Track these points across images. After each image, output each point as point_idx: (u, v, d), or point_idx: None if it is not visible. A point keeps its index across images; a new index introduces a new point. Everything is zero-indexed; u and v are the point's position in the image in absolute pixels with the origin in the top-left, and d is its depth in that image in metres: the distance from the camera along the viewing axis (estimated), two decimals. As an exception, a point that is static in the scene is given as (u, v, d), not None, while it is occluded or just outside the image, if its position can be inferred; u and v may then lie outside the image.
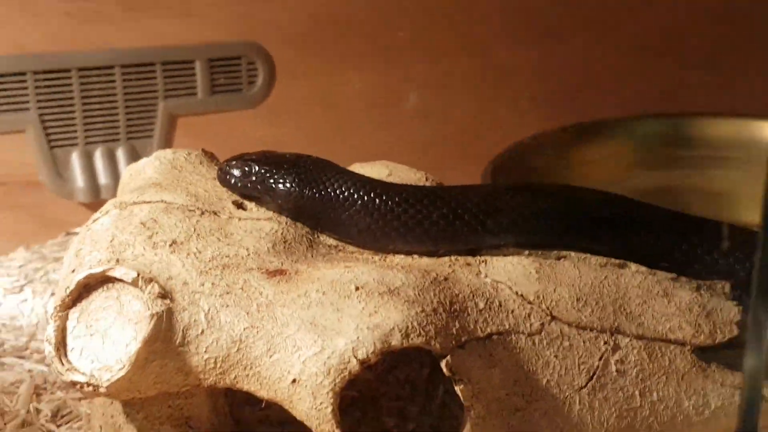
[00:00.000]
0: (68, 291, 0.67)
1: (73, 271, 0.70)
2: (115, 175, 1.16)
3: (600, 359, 0.69)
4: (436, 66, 1.35)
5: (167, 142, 1.18)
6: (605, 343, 0.69)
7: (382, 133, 1.30)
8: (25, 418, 0.79)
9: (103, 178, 1.16)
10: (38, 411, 0.81)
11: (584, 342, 0.69)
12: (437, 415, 0.79)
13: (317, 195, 0.75)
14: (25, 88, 1.12)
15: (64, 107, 1.14)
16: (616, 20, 1.42)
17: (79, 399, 0.83)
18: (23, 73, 1.11)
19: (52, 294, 1.00)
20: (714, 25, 1.47)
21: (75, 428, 0.79)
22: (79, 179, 1.15)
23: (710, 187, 1.12)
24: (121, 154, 1.17)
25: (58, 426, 0.79)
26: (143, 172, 0.82)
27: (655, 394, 0.69)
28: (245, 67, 1.22)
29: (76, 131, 1.15)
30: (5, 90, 1.11)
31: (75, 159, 1.15)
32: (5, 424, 0.79)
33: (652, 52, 1.46)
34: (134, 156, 1.15)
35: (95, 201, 1.16)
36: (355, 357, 0.62)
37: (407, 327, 0.64)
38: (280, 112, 1.25)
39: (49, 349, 0.66)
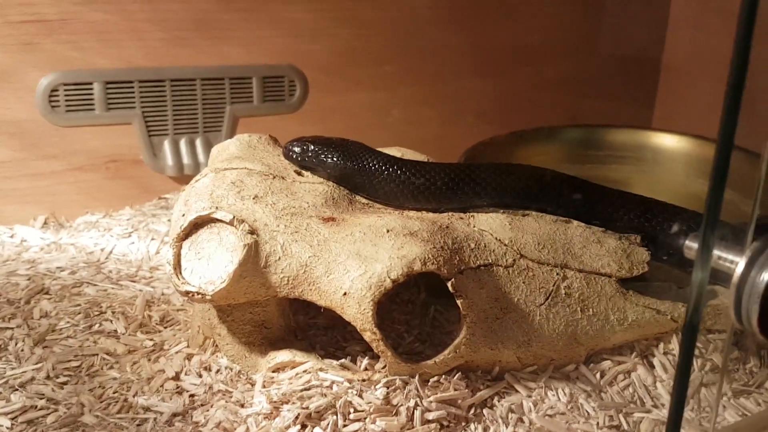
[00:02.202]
0: (182, 228, 0.66)
1: (184, 215, 0.69)
2: (194, 157, 1.14)
3: (553, 285, 0.70)
4: (417, 89, 1.35)
5: (231, 136, 1.16)
6: (557, 274, 0.70)
7: (379, 134, 1.29)
8: (142, 321, 0.78)
9: (186, 159, 1.13)
10: (150, 317, 0.79)
11: (543, 273, 0.70)
12: (431, 325, 0.78)
13: (356, 167, 0.74)
14: (132, 92, 1.09)
15: (159, 107, 1.11)
16: (543, 64, 1.43)
17: (177, 310, 0.81)
18: (131, 82, 1.08)
19: (152, 239, 0.98)
20: (605, 69, 1.48)
21: (176, 329, 0.78)
22: (169, 159, 1.12)
23: (611, 177, 1.12)
24: (199, 142, 1.14)
25: (165, 327, 0.78)
26: (228, 149, 0.80)
27: (590, 310, 0.70)
28: (287, 83, 1.21)
29: (167, 125, 1.13)
30: (118, 93, 1.08)
31: (166, 145, 1.13)
32: (129, 324, 0.77)
33: (565, 86, 1.47)
34: (208, 144, 1.13)
35: (180, 175, 1.14)
36: (389, 277, 0.62)
37: (425, 257, 0.64)
38: (310, 117, 1.24)
39: (168, 269, 0.65)
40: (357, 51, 1.26)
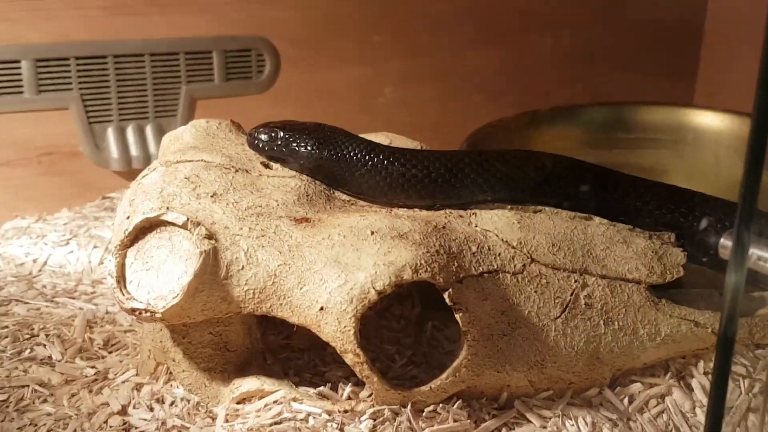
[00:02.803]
0: (126, 233, 0.67)
1: (128, 217, 0.69)
2: (144, 147, 1.14)
3: (571, 294, 0.70)
4: (412, 64, 1.35)
5: (188, 121, 1.16)
6: (575, 281, 0.70)
7: (365, 118, 1.30)
8: (82, 345, 0.78)
9: (134, 150, 1.14)
10: (92, 340, 0.79)
11: (558, 280, 0.70)
12: (427, 344, 0.79)
13: (334, 156, 0.74)
14: (69, 71, 1.09)
15: (101, 88, 1.12)
16: (561, 30, 1.43)
17: (125, 331, 0.82)
18: (67, 59, 1.09)
19: (94, 247, 0.99)
20: (636, 38, 1.49)
21: (123, 354, 0.78)
22: (113, 151, 1.13)
23: (644, 164, 1.13)
24: (149, 130, 1.15)
25: (109, 352, 0.78)
26: (181, 138, 0.81)
27: (616, 323, 0.70)
28: (255, 58, 1.21)
29: (111, 109, 1.13)
30: (52, 72, 1.09)
31: (110, 133, 1.13)
32: (66, 349, 0.78)
33: (587, 58, 1.47)
34: (161, 132, 1.13)
35: (127, 170, 1.14)
36: (374, 288, 0.63)
37: (416, 264, 0.64)
38: (282, 98, 1.24)
39: (111, 282, 0.65)
40: (339, 19, 1.27)
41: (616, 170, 0.80)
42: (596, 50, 1.47)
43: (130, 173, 1.14)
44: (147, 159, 1.13)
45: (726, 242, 0.54)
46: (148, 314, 0.64)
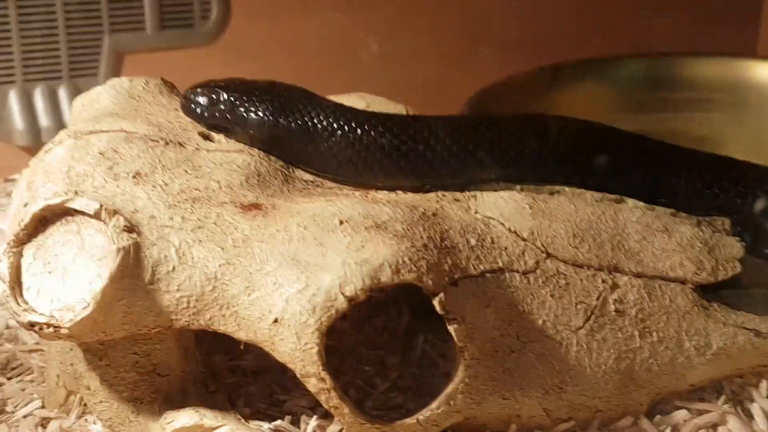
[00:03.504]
0: (22, 225, 0.66)
1: (26, 204, 0.69)
2: (56, 116, 1.15)
3: (598, 298, 0.69)
4: (404, 8, 1.35)
5: (114, 82, 1.17)
6: (603, 281, 0.70)
7: (344, 77, 1.29)
8: (-28, 370, 0.78)
9: (44, 119, 1.14)
10: (-15, 364, 0.79)
11: (581, 280, 0.70)
12: (418, 365, 0.79)
13: (293, 125, 0.74)
14: (-44, 19, 1.09)
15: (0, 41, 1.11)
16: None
17: (29, 351, 0.81)
18: (-46, 3, 1.08)
19: (-7, 242, 0.98)
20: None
21: (26, 381, 0.77)
22: (17, 120, 1.13)
23: (694, 131, 1.14)
24: (63, 93, 1.15)
25: (9, 378, 0.78)
26: (97, 102, 0.80)
27: (655, 334, 0.70)
28: (197, 1, 1.21)
29: (14, 68, 1.13)
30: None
31: (12, 98, 1.13)
32: (-48, 375, 0.77)
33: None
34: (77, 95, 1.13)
35: (35, 144, 1.14)
36: (343, 294, 0.62)
37: (398, 262, 0.63)
38: (235, 52, 1.24)
39: (2, 288, 0.65)
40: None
41: (656, 139, 0.80)
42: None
43: (38, 149, 1.14)
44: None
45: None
46: (52, 330, 0.63)
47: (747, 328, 0.71)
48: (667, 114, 1.16)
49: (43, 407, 0.73)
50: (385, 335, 0.82)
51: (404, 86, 1.33)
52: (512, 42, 1.41)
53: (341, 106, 0.75)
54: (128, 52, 1.18)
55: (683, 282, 0.71)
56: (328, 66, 1.30)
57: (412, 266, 0.63)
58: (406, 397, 0.73)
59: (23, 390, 0.75)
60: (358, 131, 0.73)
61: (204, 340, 0.74)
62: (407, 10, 1.35)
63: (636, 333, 0.69)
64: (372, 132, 0.73)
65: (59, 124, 1.14)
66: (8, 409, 0.73)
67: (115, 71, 1.18)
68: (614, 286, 0.70)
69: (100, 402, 0.69)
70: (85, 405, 0.71)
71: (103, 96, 0.80)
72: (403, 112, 0.82)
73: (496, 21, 1.40)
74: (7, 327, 0.84)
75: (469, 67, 1.39)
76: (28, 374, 0.78)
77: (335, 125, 0.73)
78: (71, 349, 0.69)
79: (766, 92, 1.14)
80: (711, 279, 0.72)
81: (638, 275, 0.71)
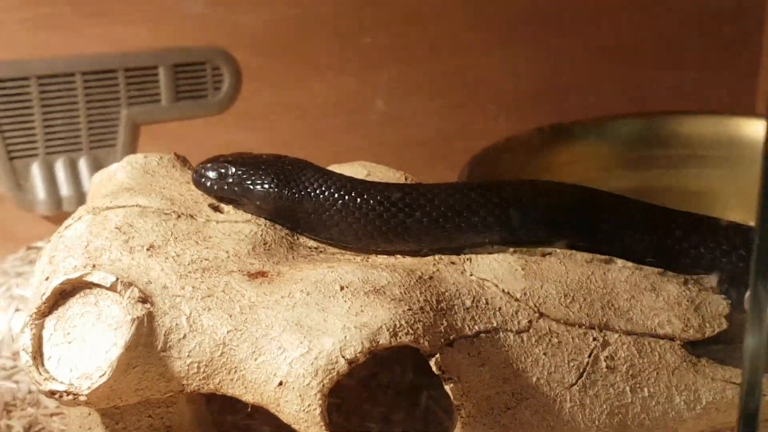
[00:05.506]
0: (44, 298, 0.67)
1: (47, 278, 0.70)
2: (77, 186, 1.16)
3: (590, 356, 0.70)
4: (409, 70, 1.36)
5: (131, 151, 1.18)
6: (594, 339, 0.71)
7: (351, 138, 1.31)
8: (-3, 434, 0.79)
9: (65, 189, 1.16)
10: (10, 428, 0.80)
11: (573, 338, 0.71)
12: (422, 421, 0.80)
13: (297, 195, 0.76)
14: (-19, 97, 1.12)
15: (23, 116, 1.14)
16: (586, 23, 1.45)
17: (51, 415, 0.82)
18: (-21, 82, 1.11)
19: (17, 310, 1.00)
20: (679, 26, 1.50)
21: (48, 444, 0.79)
22: (40, 191, 1.15)
23: (689, 187, 1.14)
24: (83, 164, 1.17)
25: (31, 442, 0.79)
26: (114, 177, 0.82)
27: (646, 390, 0.70)
28: (210, 73, 1.23)
29: (36, 141, 1.15)
30: (-39, 98, 1.11)
31: (35, 170, 1.15)
32: (-24, 441, 0.79)
33: (621, 54, 1.48)
34: (97, 166, 1.14)
35: (57, 213, 1.16)
36: (343, 357, 0.63)
37: (395, 325, 0.65)
38: (246, 119, 1.26)
39: (25, 359, 0.66)
40: (315, 18, 1.28)
41: (641, 200, 0.81)
42: (636, 46, 1.47)
43: (60, 217, 1.15)
44: (81, 200, 1.14)
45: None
46: (71, 397, 0.64)
47: (735, 383, 0.72)
48: (663, 170, 1.16)
49: (63, 470, 0.75)
50: (390, 391, 0.83)
51: (410, 144, 1.35)
52: (514, 99, 1.42)
53: (341, 176, 0.77)
54: (144, 123, 1.20)
55: (672, 339, 0.72)
56: (336, 127, 1.30)
57: (409, 329, 0.65)
58: (411, 454, 0.75)
59: (45, 452, 0.77)
60: (358, 200, 0.74)
61: (216, 400, 0.75)
62: (412, 72, 1.36)
63: (627, 389, 0.70)
64: (371, 201, 0.74)
65: (79, 193, 1.15)
66: (31, 471, 0.76)
67: (133, 142, 1.19)
68: (605, 344, 0.71)
69: (118, 464, 0.71)
70: (103, 467, 0.73)
71: (119, 171, 0.82)
72: (403, 179, 0.84)
73: (499, 79, 1.41)
74: (30, 392, 0.85)
75: (474, 126, 1.39)
76: (50, 438, 0.80)
77: (336, 195, 0.75)
78: (89, 414, 0.71)
79: (758, 149, 1.14)
80: (698, 336, 0.72)
81: (628, 333, 0.72)
